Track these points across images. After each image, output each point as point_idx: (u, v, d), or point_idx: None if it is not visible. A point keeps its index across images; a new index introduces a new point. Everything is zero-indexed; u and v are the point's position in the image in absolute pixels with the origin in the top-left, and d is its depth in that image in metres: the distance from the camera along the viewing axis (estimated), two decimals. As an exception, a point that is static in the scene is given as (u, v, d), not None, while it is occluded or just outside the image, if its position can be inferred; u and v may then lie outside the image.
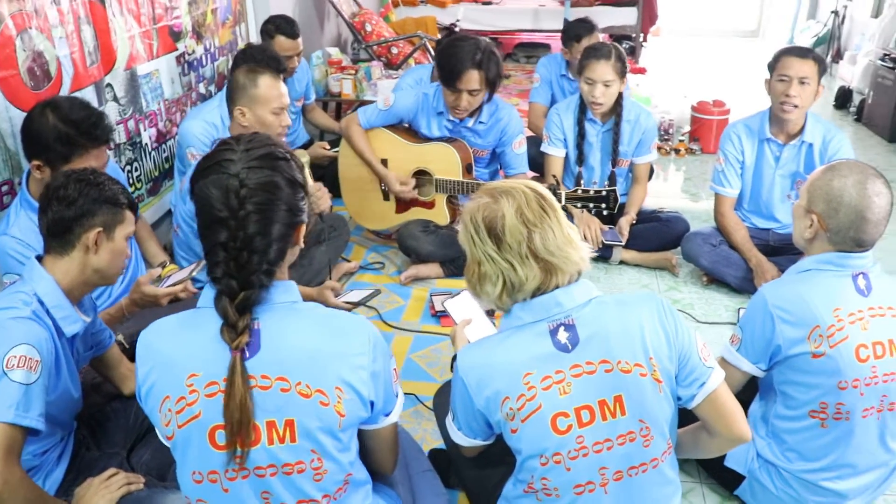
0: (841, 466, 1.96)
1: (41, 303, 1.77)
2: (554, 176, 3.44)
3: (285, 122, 2.79)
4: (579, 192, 3.01)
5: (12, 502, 1.58)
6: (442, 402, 2.09)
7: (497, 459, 1.82)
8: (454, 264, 3.46)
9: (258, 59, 3.27)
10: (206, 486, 1.42)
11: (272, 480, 1.41)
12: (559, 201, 2.79)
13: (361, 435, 1.54)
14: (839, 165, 1.95)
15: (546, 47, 8.65)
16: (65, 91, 2.76)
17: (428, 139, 3.51)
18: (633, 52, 7.92)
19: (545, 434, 1.54)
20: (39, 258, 1.86)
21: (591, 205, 3.01)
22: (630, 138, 3.59)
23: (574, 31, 4.19)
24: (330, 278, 3.20)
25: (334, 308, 1.62)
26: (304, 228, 1.50)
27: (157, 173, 3.55)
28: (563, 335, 1.56)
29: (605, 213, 3.03)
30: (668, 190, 4.82)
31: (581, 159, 3.64)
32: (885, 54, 5.91)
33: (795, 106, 3.02)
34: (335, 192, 3.43)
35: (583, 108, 3.57)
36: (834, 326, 1.87)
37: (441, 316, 3.14)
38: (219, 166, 1.40)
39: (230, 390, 1.34)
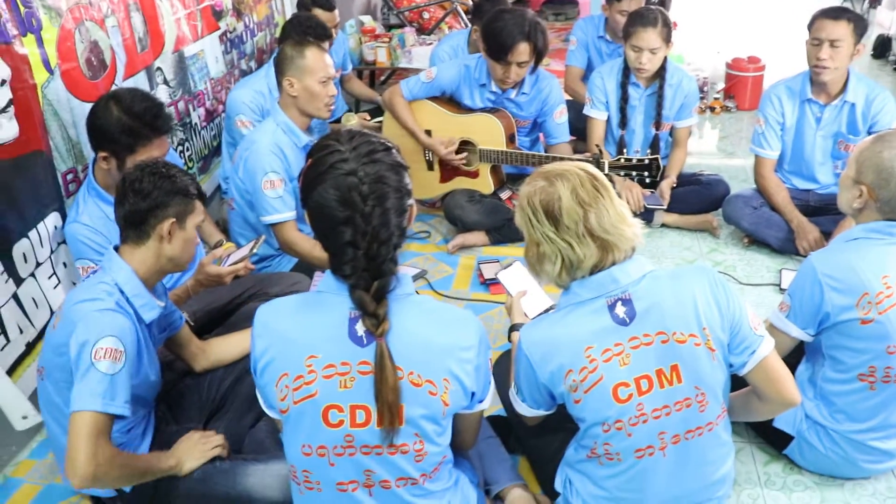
0: (889, 427, 2.02)
1: (122, 292, 1.87)
2: (597, 145, 3.46)
3: (332, 92, 2.85)
4: (622, 160, 3.04)
5: (108, 477, 1.72)
6: (501, 371, 2.17)
7: (557, 426, 1.91)
8: (499, 232, 3.53)
9: (305, 25, 3.37)
10: (314, 460, 1.53)
11: (377, 459, 1.51)
12: (602, 170, 2.83)
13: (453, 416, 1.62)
14: (888, 136, 1.97)
15: (574, 4, 8.54)
16: (119, 78, 2.84)
17: (471, 110, 3.55)
18: (663, 4, 7.79)
19: (607, 403, 1.63)
20: (116, 248, 1.95)
21: (634, 173, 3.04)
22: (672, 102, 3.59)
23: None
24: None
25: None
26: (414, 210, 1.56)
27: (206, 151, 3.65)
28: (620, 310, 1.63)
29: (647, 181, 3.06)
30: (704, 148, 4.80)
31: (624, 123, 3.64)
32: (926, 0, 5.76)
33: (826, 68, 3.02)
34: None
35: (626, 71, 3.56)
36: (882, 293, 1.91)
37: (490, 284, 3.20)
38: (333, 168, 1.43)
39: (382, 375, 1.43)
